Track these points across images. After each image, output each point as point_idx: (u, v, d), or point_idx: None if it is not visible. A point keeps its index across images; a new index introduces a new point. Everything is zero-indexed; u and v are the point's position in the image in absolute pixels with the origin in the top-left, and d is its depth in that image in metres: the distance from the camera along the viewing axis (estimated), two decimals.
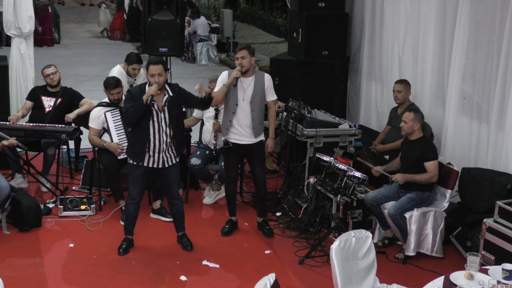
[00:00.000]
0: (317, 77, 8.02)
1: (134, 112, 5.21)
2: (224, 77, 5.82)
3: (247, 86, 5.72)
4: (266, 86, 5.78)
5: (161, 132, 5.30)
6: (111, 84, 6.41)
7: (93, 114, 6.47)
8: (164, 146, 5.34)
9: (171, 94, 5.34)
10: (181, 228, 5.75)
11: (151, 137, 5.28)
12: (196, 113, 6.85)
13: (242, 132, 5.76)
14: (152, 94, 5.15)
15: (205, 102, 5.52)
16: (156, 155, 5.35)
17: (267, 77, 5.83)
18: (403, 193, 5.64)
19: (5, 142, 6.02)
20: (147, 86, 5.29)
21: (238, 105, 5.71)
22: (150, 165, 5.38)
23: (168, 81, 7.72)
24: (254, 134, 5.76)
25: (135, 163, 5.39)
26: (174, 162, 5.47)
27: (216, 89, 5.85)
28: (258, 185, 5.99)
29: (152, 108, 5.24)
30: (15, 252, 5.58)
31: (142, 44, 12.22)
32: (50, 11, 16.09)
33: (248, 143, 5.79)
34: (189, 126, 6.88)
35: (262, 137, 5.88)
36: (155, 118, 5.27)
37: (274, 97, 5.90)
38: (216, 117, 6.58)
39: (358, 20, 8.33)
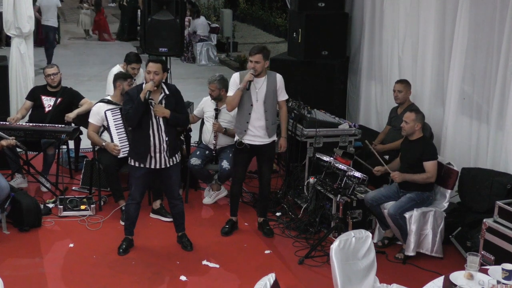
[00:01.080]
0: (317, 77, 8.02)
1: (135, 111, 5.21)
2: (235, 79, 5.77)
3: (259, 86, 5.71)
4: (278, 86, 5.78)
5: (160, 131, 5.30)
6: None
7: (94, 109, 6.47)
8: (165, 146, 5.33)
9: (167, 92, 5.35)
10: (181, 228, 5.75)
11: (151, 137, 5.28)
12: (198, 111, 6.85)
13: (255, 133, 5.76)
14: (149, 90, 5.16)
15: (185, 123, 5.81)
16: (158, 155, 5.34)
17: (279, 78, 5.83)
18: (403, 193, 5.64)
19: (3, 143, 6.02)
20: (144, 85, 5.30)
21: (253, 106, 5.71)
22: (152, 166, 5.38)
23: (168, 81, 7.80)
24: (268, 134, 5.78)
25: (137, 164, 5.38)
26: (175, 161, 5.47)
27: (229, 93, 5.80)
28: (263, 184, 5.99)
29: (151, 106, 5.24)
30: (15, 252, 5.58)
31: (141, 44, 12.27)
32: None
33: (261, 143, 5.79)
34: (190, 123, 6.87)
35: (275, 137, 5.89)
36: (153, 118, 5.27)
37: (286, 96, 5.91)
38: (216, 117, 6.57)
39: (358, 20, 8.34)
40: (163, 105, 5.30)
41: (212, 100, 6.68)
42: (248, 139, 5.78)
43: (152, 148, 5.31)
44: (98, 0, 17.70)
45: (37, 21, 14.38)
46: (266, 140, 5.80)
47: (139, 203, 5.55)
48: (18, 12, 7.76)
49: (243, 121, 5.77)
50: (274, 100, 5.81)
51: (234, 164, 6.04)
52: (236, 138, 5.86)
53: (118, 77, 6.50)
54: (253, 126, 5.74)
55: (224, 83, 6.51)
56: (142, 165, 5.37)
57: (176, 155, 5.49)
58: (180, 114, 5.44)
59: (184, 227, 5.76)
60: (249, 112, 5.72)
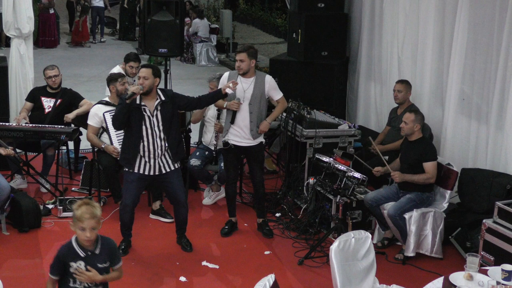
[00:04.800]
0: (316, 77, 8.03)
1: (117, 113, 5.20)
2: (224, 79, 5.80)
3: (247, 87, 5.71)
4: (267, 89, 5.75)
5: (155, 137, 5.27)
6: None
7: (92, 111, 6.47)
8: (159, 152, 5.30)
9: (163, 98, 5.31)
10: (182, 232, 5.75)
11: (145, 143, 5.25)
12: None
13: (241, 134, 5.75)
14: (133, 92, 5.12)
15: (215, 99, 5.67)
16: (152, 161, 5.31)
17: (268, 79, 5.78)
18: (403, 194, 5.64)
19: (2, 152, 6.02)
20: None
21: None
22: (146, 172, 5.34)
23: (167, 82, 7.81)
24: (253, 136, 5.76)
25: (130, 170, 5.37)
26: (172, 168, 5.42)
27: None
28: (256, 185, 5.98)
29: (144, 113, 5.22)
30: (14, 253, 5.58)
31: (141, 45, 12.27)
32: (52, 12, 16.06)
33: (247, 145, 5.79)
34: (197, 119, 6.82)
35: (261, 139, 5.88)
36: (147, 124, 5.24)
37: (280, 94, 5.87)
38: (218, 117, 6.56)
39: (357, 20, 8.34)
40: (158, 112, 5.25)
41: None
42: (233, 139, 5.78)
43: (146, 154, 5.28)
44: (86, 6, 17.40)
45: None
46: (250, 142, 5.78)
47: (131, 211, 5.47)
48: (17, 13, 7.75)
49: (227, 121, 5.79)
50: (262, 102, 5.76)
51: (224, 165, 6.04)
52: (222, 138, 5.87)
53: (110, 79, 6.53)
54: (238, 126, 5.73)
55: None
56: (136, 171, 5.34)
57: (176, 162, 5.45)
58: (192, 100, 5.51)
59: (185, 231, 5.75)
60: (232, 112, 5.72)
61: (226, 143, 5.81)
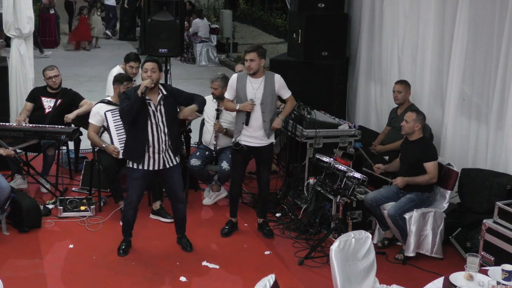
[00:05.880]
0: (316, 78, 8.02)
1: (130, 107, 5.19)
2: (233, 81, 5.78)
3: (257, 87, 5.70)
4: (277, 87, 5.76)
5: (159, 132, 5.29)
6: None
7: (94, 110, 6.47)
8: (164, 146, 5.33)
9: (165, 92, 5.34)
10: (182, 231, 5.75)
11: (150, 137, 5.27)
12: None
13: (253, 134, 5.74)
14: (146, 86, 5.14)
15: (205, 101, 5.65)
16: (156, 155, 5.34)
17: (277, 78, 5.79)
18: (403, 194, 5.64)
19: (2, 152, 6.02)
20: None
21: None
22: (151, 168, 5.36)
23: (168, 82, 7.81)
24: (267, 135, 5.76)
25: (135, 166, 5.38)
26: (175, 163, 5.46)
27: (226, 94, 5.84)
28: (262, 185, 5.98)
29: (149, 107, 5.23)
30: (14, 253, 5.58)
31: (141, 45, 12.31)
32: (52, 12, 16.07)
33: (259, 145, 5.78)
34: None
35: (273, 139, 5.88)
36: (152, 119, 5.26)
37: (289, 93, 5.88)
38: (217, 117, 6.57)
39: (357, 21, 8.34)
40: (162, 106, 5.29)
41: (214, 100, 6.67)
42: (245, 140, 5.76)
43: (151, 149, 5.30)
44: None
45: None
46: (263, 142, 5.78)
47: (136, 207, 5.51)
48: (18, 13, 7.75)
49: (239, 121, 5.77)
50: (273, 101, 5.79)
51: (232, 165, 6.04)
52: (233, 139, 5.86)
53: (115, 80, 6.52)
54: (250, 127, 5.72)
55: (226, 82, 6.50)
56: (140, 167, 5.36)
57: (176, 157, 5.49)
58: (189, 97, 5.50)
59: (184, 229, 5.75)
60: (245, 113, 5.71)
61: (237, 144, 5.79)
